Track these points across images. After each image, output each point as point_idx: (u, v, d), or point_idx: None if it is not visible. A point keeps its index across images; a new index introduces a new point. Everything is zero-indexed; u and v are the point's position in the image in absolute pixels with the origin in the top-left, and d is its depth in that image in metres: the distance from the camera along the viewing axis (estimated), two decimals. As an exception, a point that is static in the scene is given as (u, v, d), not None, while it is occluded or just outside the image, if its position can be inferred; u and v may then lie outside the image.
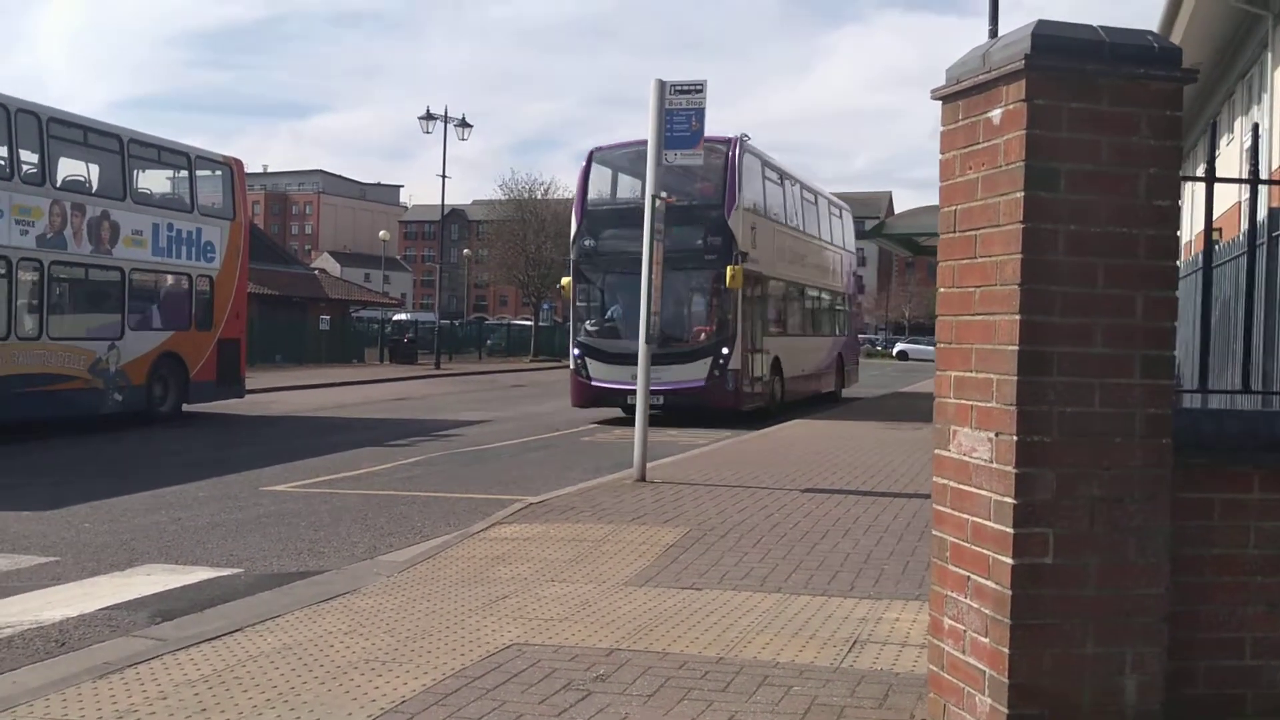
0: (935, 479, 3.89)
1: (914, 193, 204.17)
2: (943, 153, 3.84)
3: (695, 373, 19.00)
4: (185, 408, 19.62)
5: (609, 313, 20.17)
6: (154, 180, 20.07)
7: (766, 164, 21.77)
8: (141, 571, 7.40)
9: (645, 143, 20.20)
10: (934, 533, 3.90)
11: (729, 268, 18.04)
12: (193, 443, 15.98)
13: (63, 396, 16.62)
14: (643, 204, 19.84)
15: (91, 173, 18.22)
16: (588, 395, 19.78)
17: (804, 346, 24.16)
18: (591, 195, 20.57)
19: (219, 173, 20.97)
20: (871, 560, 7.17)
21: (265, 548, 8.24)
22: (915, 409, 21.23)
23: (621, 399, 18.72)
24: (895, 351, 77.61)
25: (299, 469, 12.82)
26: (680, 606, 5.94)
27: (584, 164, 20.75)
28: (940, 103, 3.86)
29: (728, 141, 19.59)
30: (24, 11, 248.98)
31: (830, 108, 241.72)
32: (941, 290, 3.85)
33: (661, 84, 11.04)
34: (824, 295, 26.56)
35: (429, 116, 41.49)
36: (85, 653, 5.29)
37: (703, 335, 19.51)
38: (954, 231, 3.79)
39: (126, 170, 18.31)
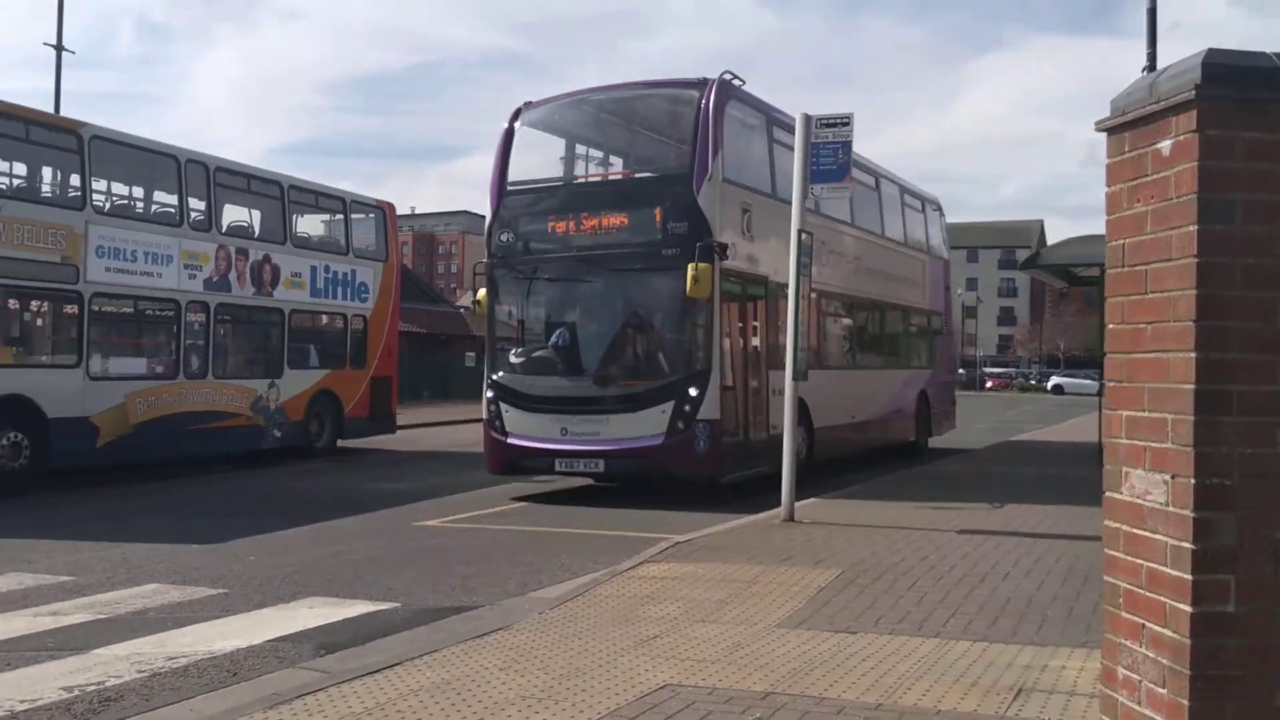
0: (1106, 522, 3.75)
1: (1067, 221, 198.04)
2: (1109, 185, 3.73)
3: (648, 425, 12.68)
4: (340, 443, 20.29)
5: (554, 338, 13.71)
6: (311, 224, 20.96)
7: (775, 121, 14.70)
8: (304, 604, 7.64)
9: (598, 90, 15.45)
10: (1105, 578, 3.76)
11: (691, 266, 12.01)
12: (347, 478, 16.47)
13: (226, 433, 17.37)
14: (587, 182, 15.55)
15: (254, 218, 19.15)
16: (503, 457, 13.59)
17: (851, 383, 17.11)
18: (517, 170, 14.25)
19: (372, 216, 21.75)
20: (1034, 605, 6.94)
21: (420, 582, 8.42)
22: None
23: (549, 463, 13.17)
24: (1050, 385, 75.49)
25: (449, 504, 13.08)
26: (835, 650, 5.85)
27: (506, 125, 14.48)
28: (1105, 135, 3.76)
29: (702, 84, 13.34)
30: (190, 62, 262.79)
31: (977, 135, 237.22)
32: (1110, 327, 3.73)
33: (807, 118, 11.00)
34: (890, 314, 19.82)
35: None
36: (255, 683, 5.47)
37: (660, 370, 13.21)
38: (1122, 266, 3.67)
39: (286, 215, 19.14)
